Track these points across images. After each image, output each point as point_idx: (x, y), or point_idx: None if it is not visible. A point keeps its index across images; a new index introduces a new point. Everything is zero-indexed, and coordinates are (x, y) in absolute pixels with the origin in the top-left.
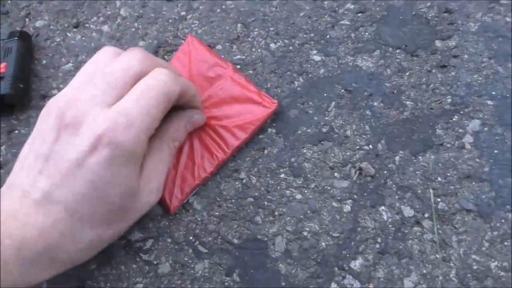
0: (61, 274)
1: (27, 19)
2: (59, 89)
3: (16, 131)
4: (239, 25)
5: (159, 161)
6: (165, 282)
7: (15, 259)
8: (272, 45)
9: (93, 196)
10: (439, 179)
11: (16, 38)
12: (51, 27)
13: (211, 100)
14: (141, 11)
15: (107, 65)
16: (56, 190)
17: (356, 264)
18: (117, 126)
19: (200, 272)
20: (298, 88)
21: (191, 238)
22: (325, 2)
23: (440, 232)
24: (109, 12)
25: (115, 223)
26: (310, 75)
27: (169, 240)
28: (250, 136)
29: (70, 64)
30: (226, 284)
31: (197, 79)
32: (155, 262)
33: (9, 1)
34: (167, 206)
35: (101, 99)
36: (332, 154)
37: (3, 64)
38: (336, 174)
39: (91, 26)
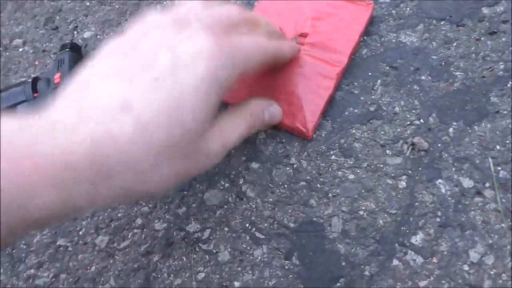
0: (127, 270)
1: (75, 32)
2: None
3: None
4: None
5: (235, 122)
6: (226, 270)
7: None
8: None
9: (172, 113)
10: (498, 147)
11: (67, 50)
12: (98, 36)
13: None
14: None
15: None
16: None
17: (417, 239)
18: (221, 52)
19: (259, 257)
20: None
21: (247, 225)
22: None
23: (504, 200)
24: None
25: (181, 157)
26: (353, 57)
27: (226, 229)
28: (358, 41)
29: None
30: (286, 267)
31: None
32: (214, 251)
33: (57, 17)
34: (303, 133)
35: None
36: (382, 132)
37: (57, 75)
38: (388, 151)
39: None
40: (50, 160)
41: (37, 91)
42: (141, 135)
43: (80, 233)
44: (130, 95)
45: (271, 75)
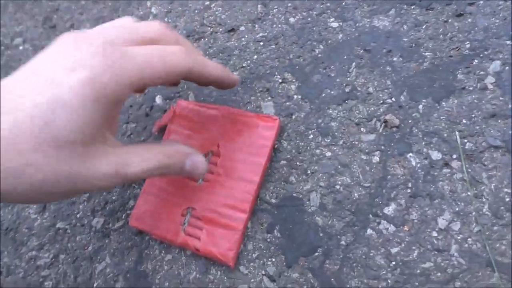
0: (121, 248)
1: (71, 29)
2: None
3: None
4: (259, 5)
5: (143, 155)
6: None
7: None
8: (291, 19)
9: (47, 116)
10: (464, 121)
11: None
12: None
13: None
14: (169, 7)
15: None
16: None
17: (390, 209)
18: (105, 59)
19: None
20: (319, 55)
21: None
22: None
23: (470, 170)
24: (141, 13)
25: (56, 165)
26: (329, 41)
27: None
28: (266, 163)
29: None
30: (268, 240)
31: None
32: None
33: (55, 16)
34: (226, 263)
35: (115, 36)
36: (357, 111)
37: None
38: (362, 129)
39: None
40: None
41: None
42: (15, 135)
43: (78, 216)
44: (19, 98)
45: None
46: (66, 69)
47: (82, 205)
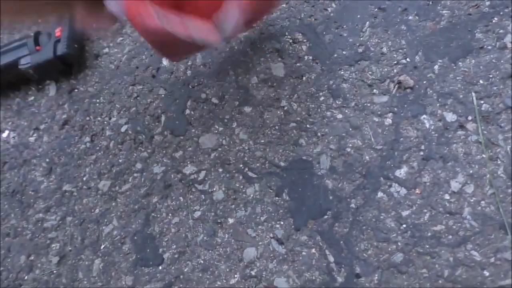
0: (128, 211)
1: None
2: (110, 48)
3: (76, 90)
4: None
5: None
6: (220, 208)
7: None
8: None
9: None
10: (481, 81)
11: None
12: None
13: None
14: None
15: None
16: None
17: (401, 172)
18: None
19: (251, 195)
20: (332, 14)
21: (240, 165)
22: None
23: (485, 132)
24: None
25: None
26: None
27: (220, 170)
28: None
29: (117, 24)
30: (277, 203)
31: None
32: (209, 191)
33: None
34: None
35: None
36: (370, 72)
37: (58, 29)
38: (375, 90)
39: None
40: None
41: (39, 44)
42: None
43: (84, 178)
44: None
45: None
46: None
47: (89, 168)
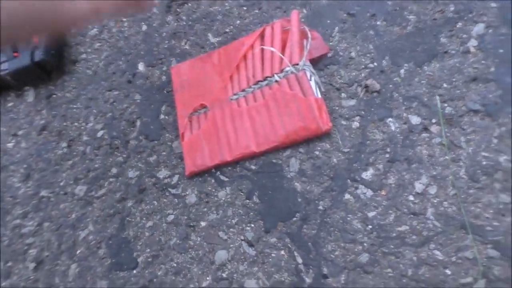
0: (104, 216)
1: None
2: (87, 53)
3: (54, 95)
4: None
5: None
6: (193, 211)
7: None
8: None
9: None
10: (445, 85)
11: None
12: None
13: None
14: None
15: None
16: None
17: (368, 174)
18: None
19: (223, 198)
20: (302, 19)
21: (213, 169)
22: None
23: (448, 135)
24: None
25: None
26: (313, 5)
27: None
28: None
29: (95, 29)
30: (248, 206)
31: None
32: (182, 194)
33: None
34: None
35: None
36: (338, 76)
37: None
38: (343, 94)
39: None
40: None
41: (17, 50)
42: None
43: (61, 184)
44: None
45: None
46: None
47: (66, 173)
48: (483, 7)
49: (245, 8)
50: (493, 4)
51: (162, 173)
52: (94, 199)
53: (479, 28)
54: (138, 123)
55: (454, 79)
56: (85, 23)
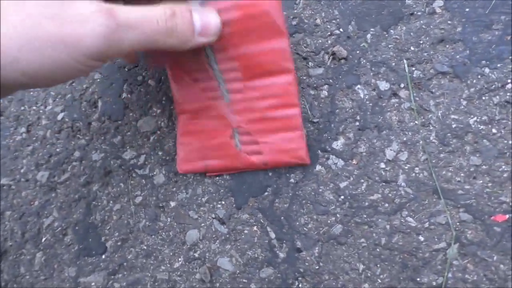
0: (68, 201)
1: None
2: None
3: None
4: None
5: (141, 5)
6: (161, 191)
7: None
8: None
9: None
10: (412, 48)
11: None
12: None
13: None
14: None
15: None
16: None
17: (338, 144)
18: None
19: (192, 176)
20: None
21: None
22: None
23: (417, 99)
24: None
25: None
26: None
27: (160, 153)
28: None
29: None
30: (217, 183)
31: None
32: (150, 175)
33: None
34: (303, 163)
35: None
36: (304, 45)
37: None
38: (310, 63)
39: None
40: None
41: None
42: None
43: (22, 170)
44: None
45: None
46: None
47: (26, 159)
48: None
49: None
50: None
51: (128, 154)
52: (58, 184)
53: None
54: (99, 103)
55: (421, 42)
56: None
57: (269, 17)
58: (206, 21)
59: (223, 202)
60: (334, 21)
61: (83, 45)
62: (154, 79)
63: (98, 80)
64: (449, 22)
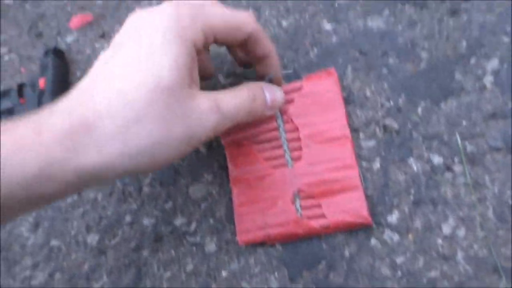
0: (119, 266)
1: (58, 37)
2: None
3: None
4: (250, 9)
5: (232, 91)
6: (213, 260)
7: None
8: (284, 22)
9: (143, 70)
10: (464, 122)
11: (51, 55)
12: (80, 41)
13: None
14: None
15: None
16: None
17: (393, 217)
18: (179, 11)
19: (244, 246)
20: (314, 59)
21: (231, 216)
22: None
23: (472, 174)
24: None
25: (167, 117)
26: (323, 44)
27: (211, 220)
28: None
29: None
30: (270, 254)
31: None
32: (201, 243)
33: (41, 24)
34: (366, 224)
35: None
36: (355, 116)
37: (42, 80)
38: (361, 135)
39: (116, 34)
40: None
41: (23, 97)
42: (117, 98)
43: (72, 233)
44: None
45: None
46: (152, 20)
47: (76, 221)
48: (495, 41)
49: None
50: (506, 39)
51: (179, 220)
52: (108, 248)
53: (493, 63)
54: None
55: (472, 116)
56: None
57: (330, 93)
58: (274, 97)
59: (276, 274)
60: (383, 93)
61: (199, 138)
62: (206, 146)
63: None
64: (500, 97)
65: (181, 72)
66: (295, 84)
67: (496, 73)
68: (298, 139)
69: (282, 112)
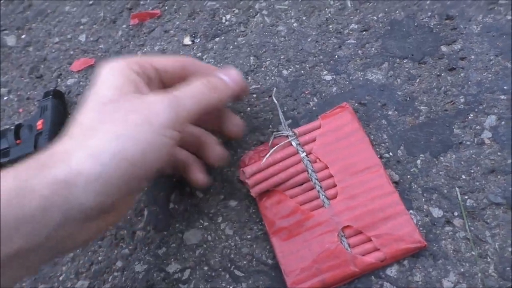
0: None
1: (59, 79)
2: None
3: None
4: (251, 57)
5: (190, 85)
6: None
7: None
8: (285, 72)
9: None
10: (464, 176)
11: (50, 97)
12: (81, 83)
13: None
14: None
15: None
16: None
17: (392, 270)
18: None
19: None
20: (314, 108)
21: (227, 263)
22: (330, 26)
23: (472, 229)
24: None
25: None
26: (323, 94)
27: (205, 268)
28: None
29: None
30: None
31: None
32: None
33: (42, 66)
34: (421, 246)
35: None
36: None
37: (40, 121)
38: None
39: None
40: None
41: (19, 138)
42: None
43: (60, 278)
44: None
45: None
46: None
47: (66, 266)
48: (492, 99)
49: (254, 95)
50: (502, 97)
51: (172, 266)
52: None
53: (491, 119)
54: (145, 212)
55: (472, 171)
56: None
57: (349, 125)
58: (228, 72)
59: None
60: (383, 144)
61: (160, 123)
62: (202, 191)
63: (146, 188)
64: (498, 153)
65: (123, 88)
66: (313, 124)
67: (494, 129)
68: (330, 176)
69: (307, 153)
